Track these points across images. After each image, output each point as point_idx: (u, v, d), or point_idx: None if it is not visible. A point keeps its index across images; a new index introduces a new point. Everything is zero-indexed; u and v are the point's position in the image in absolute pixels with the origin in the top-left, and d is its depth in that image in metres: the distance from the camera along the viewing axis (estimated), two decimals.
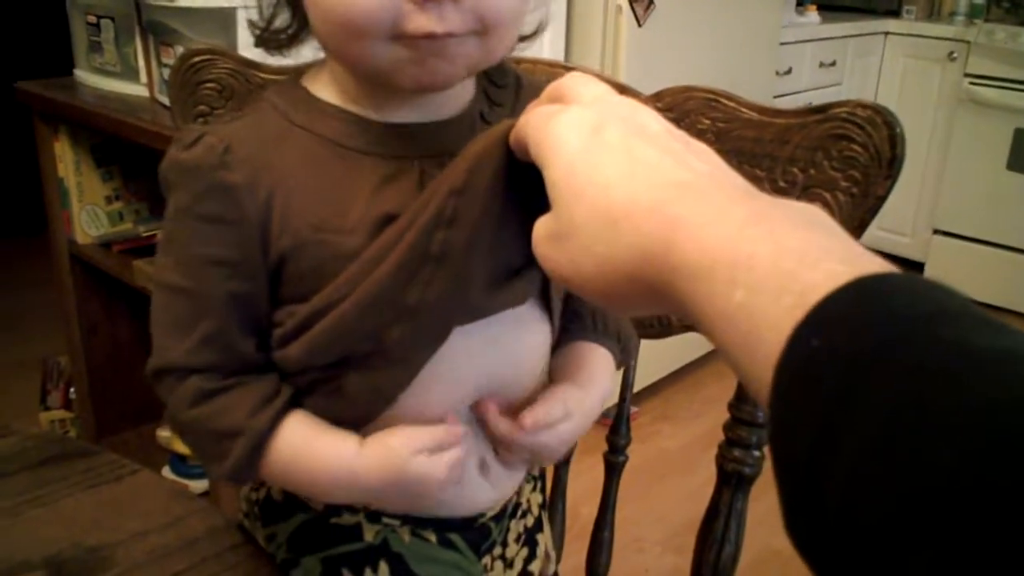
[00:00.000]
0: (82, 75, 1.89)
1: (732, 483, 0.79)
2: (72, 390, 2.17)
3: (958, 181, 3.36)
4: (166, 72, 1.63)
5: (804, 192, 0.72)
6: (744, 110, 0.75)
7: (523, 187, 0.52)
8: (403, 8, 0.53)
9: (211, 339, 0.59)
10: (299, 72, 0.65)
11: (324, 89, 0.62)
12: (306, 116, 0.61)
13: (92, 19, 1.82)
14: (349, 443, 0.60)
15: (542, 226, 0.48)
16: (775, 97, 2.82)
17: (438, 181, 0.56)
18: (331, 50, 0.60)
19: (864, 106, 0.69)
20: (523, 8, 0.58)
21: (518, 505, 0.72)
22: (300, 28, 0.63)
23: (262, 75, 0.83)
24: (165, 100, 1.66)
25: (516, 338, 0.64)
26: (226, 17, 1.49)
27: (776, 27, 2.68)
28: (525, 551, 0.74)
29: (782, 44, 2.82)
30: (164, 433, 2.03)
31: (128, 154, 1.89)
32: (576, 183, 0.45)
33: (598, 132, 0.46)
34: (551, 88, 0.53)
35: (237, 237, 0.58)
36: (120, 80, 1.79)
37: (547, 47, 2.10)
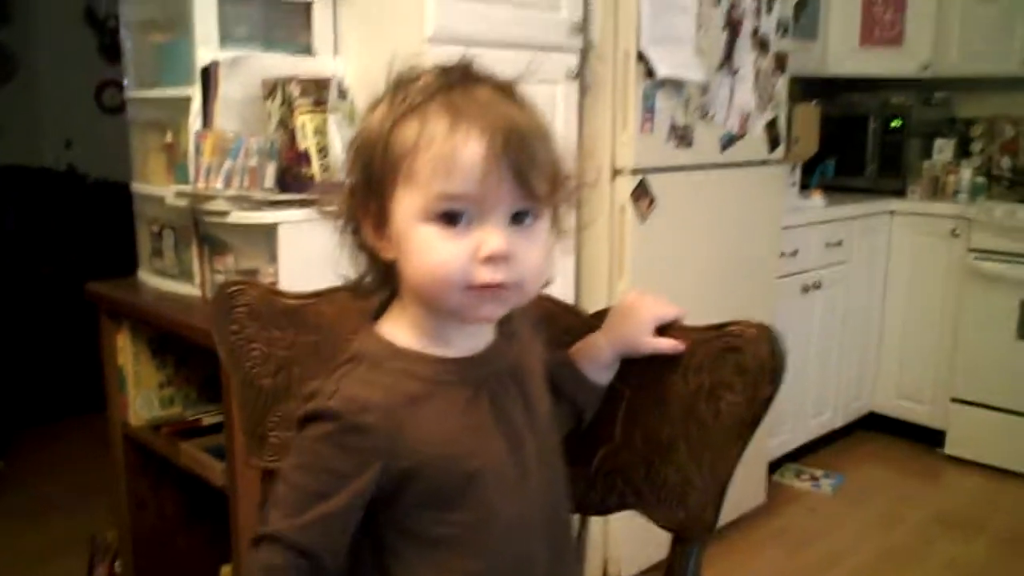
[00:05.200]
0: (144, 276, 2.16)
1: None
2: (117, 564, 2.32)
3: (971, 351, 3.48)
4: (218, 277, 1.87)
5: (710, 392, 0.89)
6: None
7: None
8: (473, 265, 0.79)
9: (316, 522, 0.79)
10: (372, 321, 0.89)
11: (402, 335, 0.86)
12: (397, 364, 0.84)
13: (156, 228, 2.10)
14: None
15: None
16: (779, 278, 3.00)
17: None
18: (419, 294, 0.84)
19: (751, 326, 0.87)
20: (545, 269, 0.86)
21: None
22: (381, 284, 0.89)
23: (284, 300, 1.03)
24: None
25: None
26: (269, 232, 1.73)
27: (777, 213, 2.90)
28: None
29: (788, 228, 3.04)
30: None
31: (182, 345, 2.11)
32: None
33: None
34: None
35: (362, 461, 0.79)
36: (177, 281, 2.04)
37: (559, 246, 2.32)
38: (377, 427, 0.80)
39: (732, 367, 0.88)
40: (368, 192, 0.83)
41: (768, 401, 0.87)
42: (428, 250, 0.79)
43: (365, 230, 0.85)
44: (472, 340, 0.87)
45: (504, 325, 0.90)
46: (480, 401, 0.85)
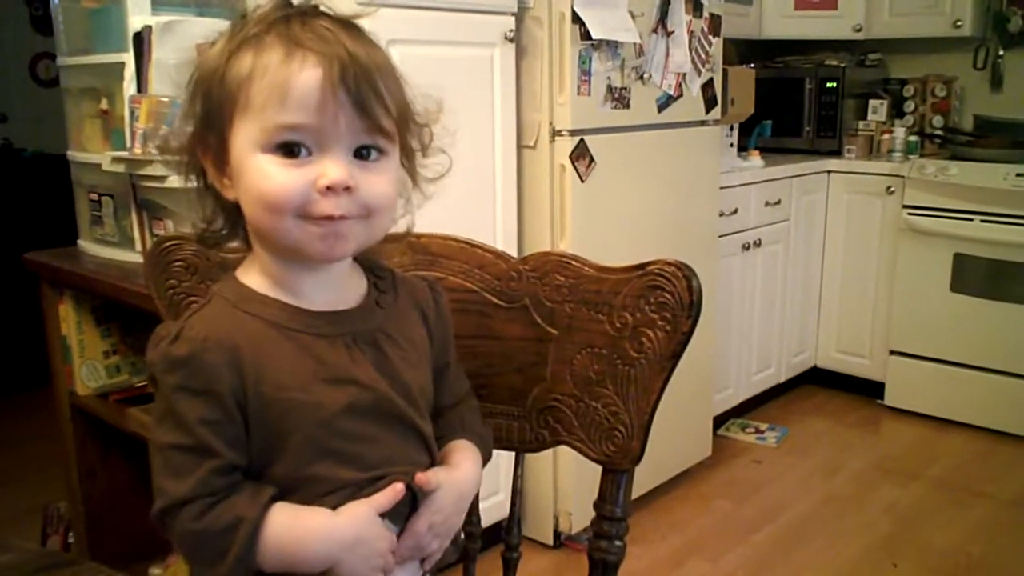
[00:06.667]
0: (85, 245, 2.14)
1: (600, 569, 0.97)
2: (71, 534, 2.33)
3: (907, 304, 3.58)
4: None
5: (634, 331, 0.92)
6: (587, 268, 0.97)
7: None
8: (312, 195, 0.77)
9: (211, 474, 0.77)
10: (233, 268, 0.88)
11: (255, 280, 0.84)
12: (251, 306, 0.82)
13: (94, 196, 2.08)
14: (324, 511, 0.80)
15: None
16: (720, 236, 3.07)
17: None
18: (257, 229, 0.81)
19: (669, 263, 0.91)
20: (395, 200, 0.83)
21: None
22: (231, 231, 0.87)
23: (220, 254, 1.04)
24: None
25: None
26: None
27: (715, 173, 2.96)
28: None
29: (727, 187, 3.10)
30: (156, 571, 2.17)
31: (127, 312, 2.11)
32: None
33: None
34: None
35: (220, 401, 0.77)
36: (118, 249, 2.04)
37: (501, 207, 2.35)
38: (220, 365, 0.77)
39: (654, 304, 0.92)
40: (207, 127, 0.81)
41: (688, 335, 0.91)
42: (263, 178, 0.77)
43: (208, 169, 0.83)
44: (328, 294, 0.84)
45: (381, 294, 0.89)
46: (334, 354, 0.82)
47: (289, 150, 0.77)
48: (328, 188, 0.77)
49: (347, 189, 0.77)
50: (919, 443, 3.44)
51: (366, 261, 0.90)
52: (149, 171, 1.78)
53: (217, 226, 0.87)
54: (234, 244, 0.90)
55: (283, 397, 0.79)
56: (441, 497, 0.86)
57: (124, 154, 1.83)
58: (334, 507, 0.81)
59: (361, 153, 0.79)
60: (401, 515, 0.84)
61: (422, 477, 0.84)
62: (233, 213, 0.85)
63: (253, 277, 0.85)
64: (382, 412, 0.84)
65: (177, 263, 1.04)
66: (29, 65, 4.68)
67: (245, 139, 0.78)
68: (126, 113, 1.85)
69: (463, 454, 0.92)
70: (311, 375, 0.80)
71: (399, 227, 0.88)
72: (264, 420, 0.79)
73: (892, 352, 3.66)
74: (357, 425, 0.82)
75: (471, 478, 0.91)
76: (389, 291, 0.90)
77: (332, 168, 0.77)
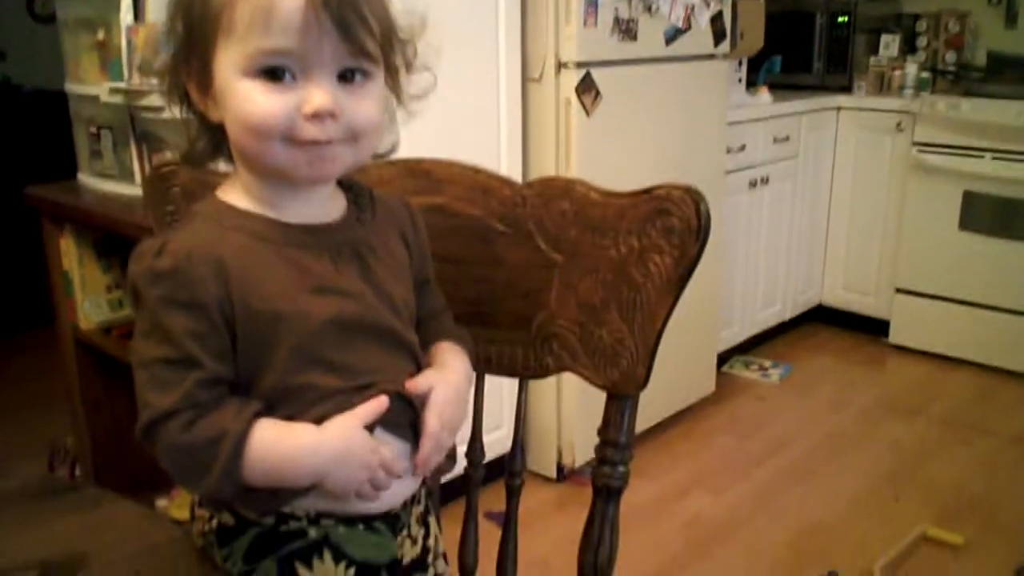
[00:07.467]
0: (84, 178, 2.12)
1: (604, 494, 0.96)
2: (77, 467, 2.35)
3: (915, 242, 3.56)
4: None
5: (640, 255, 0.91)
6: (593, 194, 0.95)
7: None
8: (297, 120, 0.77)
9: (196, 386, 0.76)
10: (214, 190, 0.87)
11: (238, 198, 0.84)
12: (234, 221, 0.82)
13: (93, 129, 2.06)
14: (310, 426, 0.80)
15: None
16: (727, 173, 3.03)
17: None
18: (243, 152, 0.81)
19: (677, 188, 0.89)
20: (382, 123, 0.83)
21: (415, 496, 0.92)
22: (215, 150, 0.86)
23: (216, 179, 1.02)
24: None
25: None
26: None
27: (723, 108, 2.91)
28: (423, 530, 0.94)
29: (734, 123, 3.06)
30: (162, 503, 2.19)
31: (127, 246, 2.09)
32: None
33: None
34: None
35: (206, 313, 0.77)
36: (118, 182, 2.02)
37: (505, 141, 2.32)
38: (206, 277, 0.77)
39: (660, 229, 0.90)
40: (189, 50, 0.80)
41: (695, 259, 0.89)
42: (248, 104, 0.76)
43: (191, 91, 0.83)
44: (309, 210, 0.84)
45: (361, 211, 0.89)
46: (320, 265, 0.82)
47: (273, 75, 0.76)
48: (313, 115, 0.76)
49: (332, 114, 0.77)
50: (923, 381, 3.44)
51: (345, 180, 0.90)
52: (147, 102, 1.76)
53: (201, 146, 0.86)
54: (221, 166, 0.90)
55: (269, 308, 0.79)
56: (439, 395, 0.87)
57: (122, 85, 1.80)
58: (322, 416, 0.81)
59: (346, 76, 0.78)
60: (401, 426, 0.85)
61: (411, 383, 0.85)
62: (217, 134, 0.84)
63: (235, 195, 0.84)
64: (368, 321, 0.84)
65: (175, 187, 1.03)
66: (27, 2, 4.61)
67: (229, 63, 0.77)
68: (123, 43, 1.82)
69: (449, 353, 0.93)
70: (297, 285, 0.80)
71: (384, 146, 0.88)
72: (251, 331, 0.79)
73: (898, 290, 3.65)
74: (344, 334, 0.82)
75: (462, 372, 0.92)
76: (367, 208, 0.90)
77: (317, 94, 0.76)
